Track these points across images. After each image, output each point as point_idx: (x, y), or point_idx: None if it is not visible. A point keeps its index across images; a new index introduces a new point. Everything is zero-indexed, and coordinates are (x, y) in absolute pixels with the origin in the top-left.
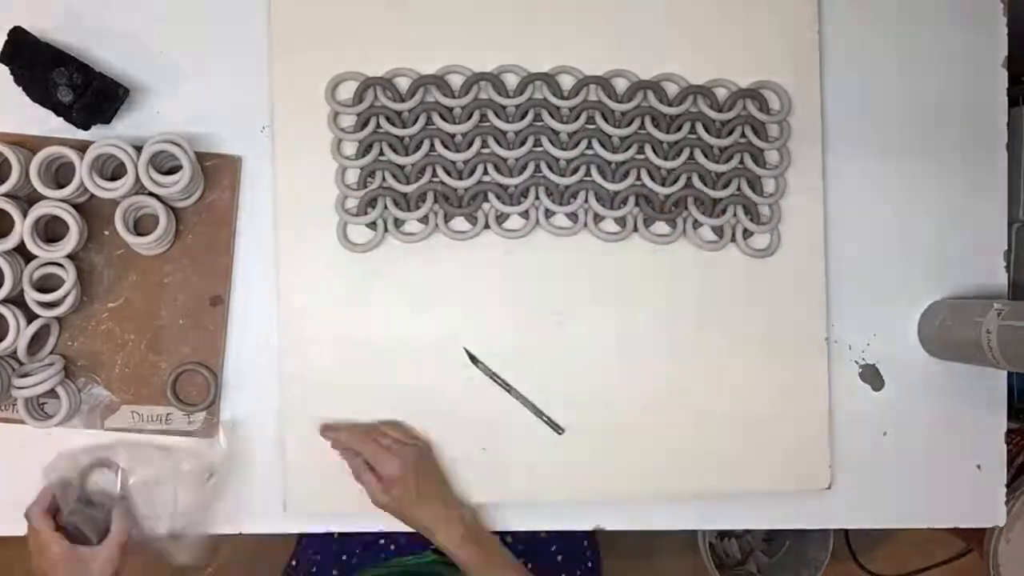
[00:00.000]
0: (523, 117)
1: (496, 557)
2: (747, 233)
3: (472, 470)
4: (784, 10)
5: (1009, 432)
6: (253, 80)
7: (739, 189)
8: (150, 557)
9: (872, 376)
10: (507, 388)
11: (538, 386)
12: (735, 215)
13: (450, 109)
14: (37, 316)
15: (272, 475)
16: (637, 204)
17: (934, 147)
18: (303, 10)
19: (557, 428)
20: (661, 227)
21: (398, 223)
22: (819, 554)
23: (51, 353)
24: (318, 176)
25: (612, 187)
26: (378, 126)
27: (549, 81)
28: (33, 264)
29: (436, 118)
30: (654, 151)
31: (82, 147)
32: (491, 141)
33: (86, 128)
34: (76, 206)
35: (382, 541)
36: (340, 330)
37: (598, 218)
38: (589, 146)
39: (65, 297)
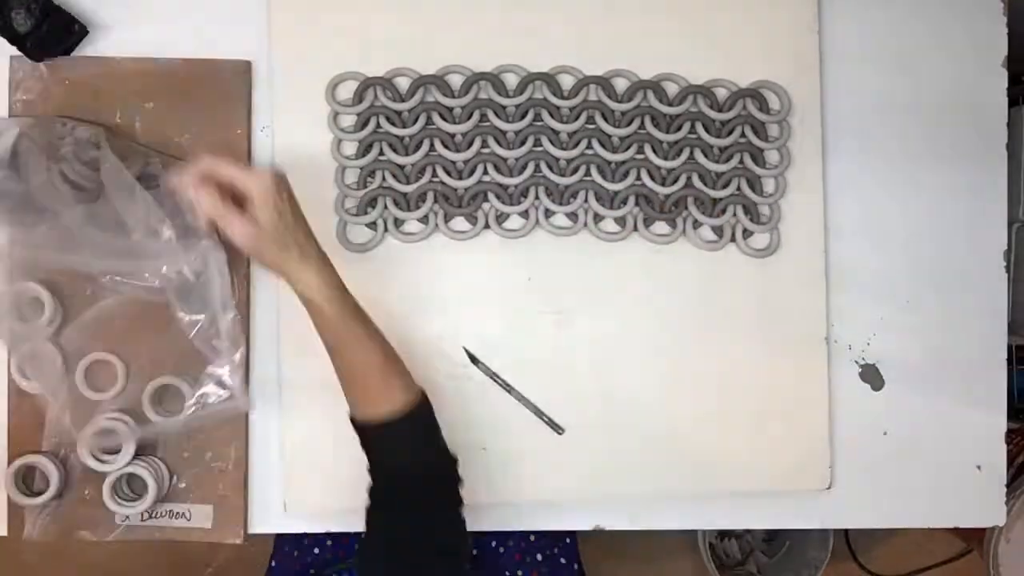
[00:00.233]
0: (523, 117)
1: (366, 325)
2: (747, 233)
3: (472, 470)
4: (784, 10)
5: (1009, 432)
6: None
7: (739, 189)
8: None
9: (872, 376)
10: (507, 388)
11: (538, 386)
12: (735, 215)
13: (450, 109)
14: None
15: (272, 475)
16: (637, 204)
17: (934, 147)
18: (303, 10)
19: (557, 428)
20: (661, 227)
21: (398, 223)
22: (819, 554)
23: None
24: (318, 176)
25: (612, 187)
26: (378, 126)
27: (549, 81)
28: None
29: (436, 118)
30: (654, 151)
31: None
32: (491, 141)
33: (39, 60)
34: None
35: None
36: None
37: (598, 218)
38: (589, 146)
39: None
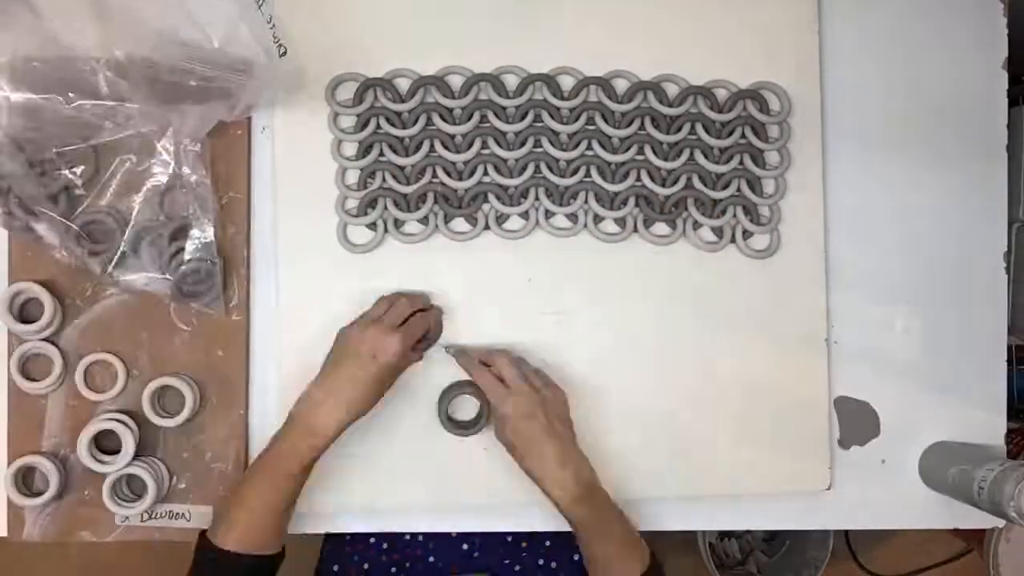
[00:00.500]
0: (523, 118)
1: (607, 516)
2: (747, 234)
3: (473, 470)
4: (784, 10)
5: (1009, 432)
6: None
7: (739, 190)
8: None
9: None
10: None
11: None
12: (735, 216)
13: (450, 110)
14: None
15: None
16: (637, 205)
17: (934, 147)
18: (303, 10)
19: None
20: (661, 228)
21: (398, 224)
22: (819, 554)
23: None
24: (318, 177)
25: (612, 188)
26: (378, 127)
27: (549, 82)
28: None
29: (436, 119)
30: (654, 152)
31: None
32: (491, 142)
33: None
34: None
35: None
36: None
37: (598, 219)
38: (589, 147)
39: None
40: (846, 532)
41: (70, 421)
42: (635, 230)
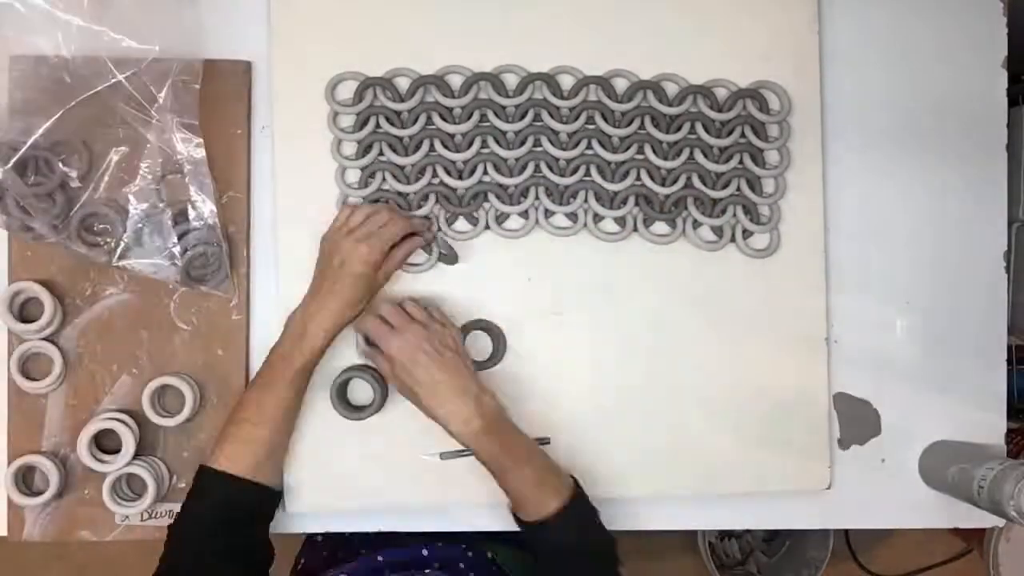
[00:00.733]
0: (523, 117)
1: (517, 448)
2: (747, 233)
3: (472, 470)
4: (784, 10)
5: (1009, 432)
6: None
7: (739, 189)
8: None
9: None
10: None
11: (538, 385)
12: (735, 215)
13: (450, 109)
14: None
15: None
16: (637, 204)
17: (934, 147)
18: (303, 10)
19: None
20: (661, 227)
21: None
22: (819, 554)
23: None
24: (318, 176)
25: (612, 187)
26: (378, 126)
27: (549, 81)
28: None
29: (436, 118)
30: (654, 151)
31: None
32: (491, 141)
33: None
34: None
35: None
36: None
37: (598, 218)
38: (589, 146)
39: None
40: (846, 532)
41: (70, 420)
42: (635, 229)
